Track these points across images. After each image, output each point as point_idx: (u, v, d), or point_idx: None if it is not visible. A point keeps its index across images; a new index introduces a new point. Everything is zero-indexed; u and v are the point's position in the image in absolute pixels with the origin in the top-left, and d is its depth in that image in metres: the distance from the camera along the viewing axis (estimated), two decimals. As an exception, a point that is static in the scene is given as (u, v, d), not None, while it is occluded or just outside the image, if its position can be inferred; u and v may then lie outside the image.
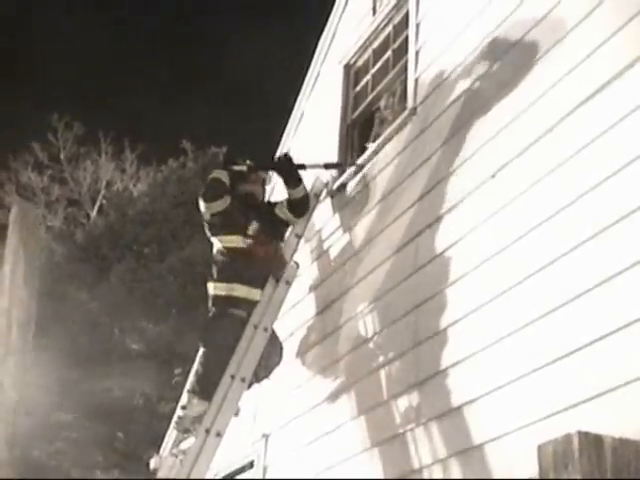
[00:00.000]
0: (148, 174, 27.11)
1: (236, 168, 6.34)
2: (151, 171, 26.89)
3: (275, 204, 6.51)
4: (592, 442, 2.40)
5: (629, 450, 2.46)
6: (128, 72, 33.85)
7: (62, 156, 28.11)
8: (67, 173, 28.17)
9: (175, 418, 6.23)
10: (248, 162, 6.42)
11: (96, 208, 27.34)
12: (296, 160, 6.51)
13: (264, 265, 6.02)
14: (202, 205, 6.12)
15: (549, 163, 4.30)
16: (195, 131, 27.00)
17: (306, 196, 6.47)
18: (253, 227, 6.11)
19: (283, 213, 6.39)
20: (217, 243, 6.15)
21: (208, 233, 6.24)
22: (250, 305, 5.88)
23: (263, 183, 6.65)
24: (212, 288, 6.02)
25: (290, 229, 6.44)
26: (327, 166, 6.62)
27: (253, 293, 5.92)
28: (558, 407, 3.76)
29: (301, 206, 6.45)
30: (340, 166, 6.70)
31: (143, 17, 34.88)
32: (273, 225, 6.31)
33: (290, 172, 6.45)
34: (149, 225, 21.70)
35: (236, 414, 5.61)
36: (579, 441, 2.37)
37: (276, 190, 7.41)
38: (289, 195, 6.44)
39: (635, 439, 2.51)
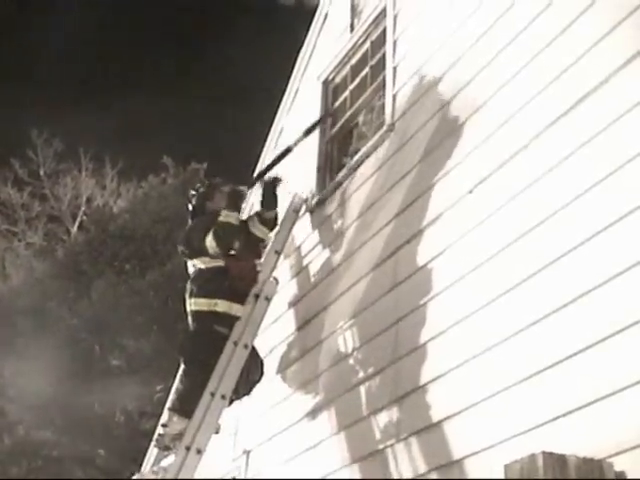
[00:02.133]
0: (128, 190, 27.09)
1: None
2: (131, 187, 26.87)
3: (247, 221, 6.52)
4: (556, 461, 2.48)
5: (592, 468, 2.53)
6: (107, 86, 33.85)
7: (42, 172, 28.03)
8: (47, 189, 28.09)
9: (156, 435, 6.20)
10: (207, 182, 6.55)
11: (76, 224, 27.24)
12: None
13: (242, 282, 6.03)
14: (212, 245, 5.98)
15: (528, 176, 4.32)
16: (176, 147, 26.99)
17: (276, 216, 6.55)
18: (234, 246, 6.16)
19: (257, 229, 6.42)
20: (198, 263, 6.14)
21: (191, 257, 6.22)
22: (232, 320, 5.88)
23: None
24: (193, 304, 6.02)
25: (269, 246, 6.46)
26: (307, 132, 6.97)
27: (235, 308, 5.93)
28: (537, 423, 3.77)
29: (272, 222, 6.53)
30: (317, 125, 6.97)
31: (127, 23, 34.88)
32: (247, 242, 6.32)
33: (272, 196, 6.52)
34: (130, 241, 21.60)
35: (216, 432, 5.61)
36: (544, 460, 2.46)
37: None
38: (261, 213, 6.50)
39: (598, 458, 2.56)
